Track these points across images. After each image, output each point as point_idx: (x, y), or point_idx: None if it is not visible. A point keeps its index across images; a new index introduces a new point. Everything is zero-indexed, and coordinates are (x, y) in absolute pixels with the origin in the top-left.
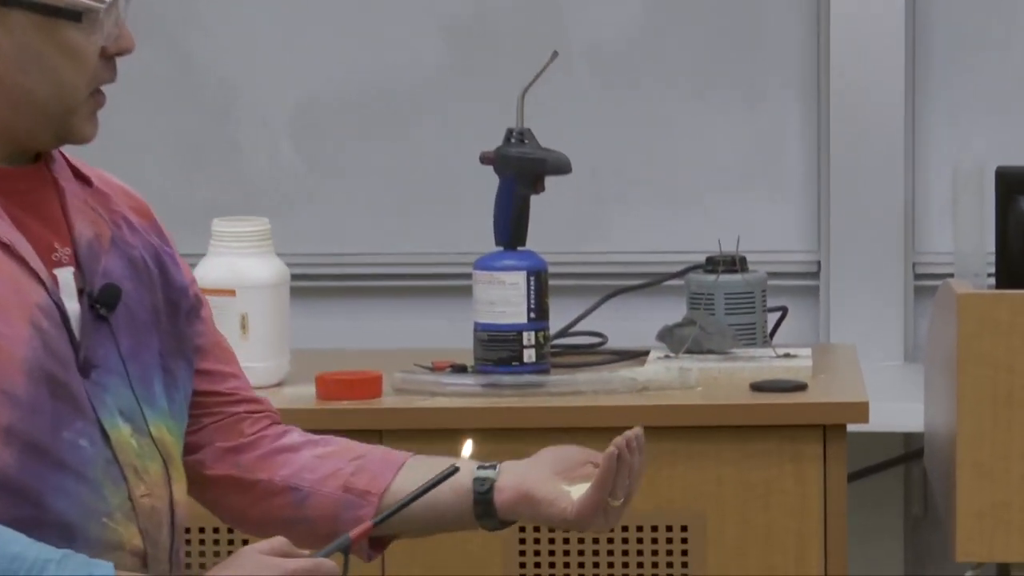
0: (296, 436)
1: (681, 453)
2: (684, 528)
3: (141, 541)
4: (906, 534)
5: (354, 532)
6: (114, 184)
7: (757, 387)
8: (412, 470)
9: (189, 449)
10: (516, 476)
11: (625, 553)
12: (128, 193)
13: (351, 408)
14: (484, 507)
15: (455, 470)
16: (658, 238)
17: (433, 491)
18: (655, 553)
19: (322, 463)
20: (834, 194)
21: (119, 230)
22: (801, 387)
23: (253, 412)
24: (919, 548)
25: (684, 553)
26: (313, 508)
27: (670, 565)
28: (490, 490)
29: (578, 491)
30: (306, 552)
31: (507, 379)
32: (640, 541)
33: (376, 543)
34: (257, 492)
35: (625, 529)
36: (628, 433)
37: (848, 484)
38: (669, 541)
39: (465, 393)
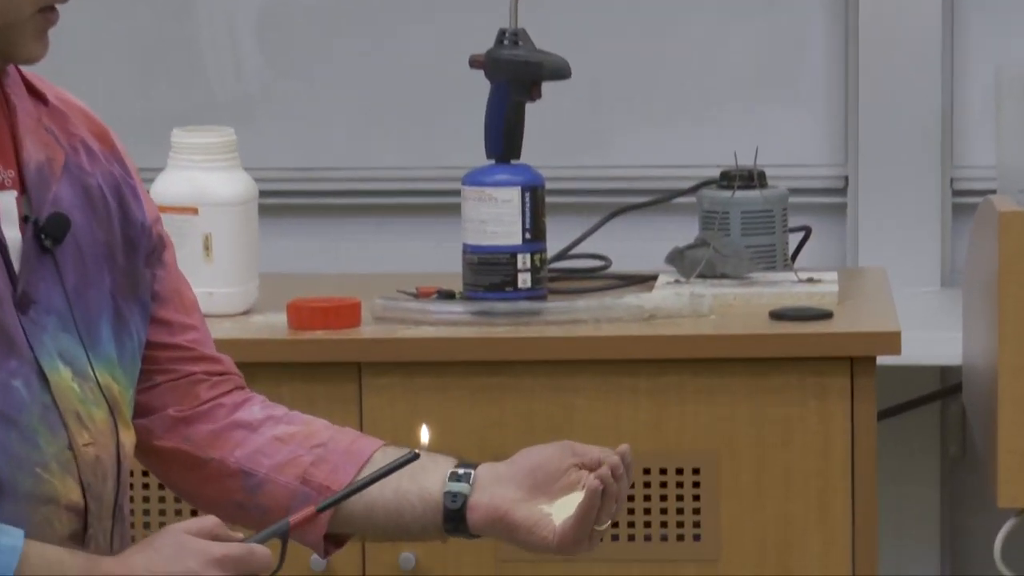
0: (256, 409)
1: (692, 388)
2: (695, 471)
3: (81, 495)
4: (942, 477)
5: (294, 518)
6: (74, 104)
7: (777, 315)
8: (378, 465)
9: (139, 411)
10: (492, 494)
11: (631, 499)
12: (89, 116)
13: (326, 339)
14: (455, 524)
15: (414, 456)
16: (667, 151)
17: (400, 499)
18: (663, 499)
19: (280, 448)
20: (863, 101)
21: (75, 155)
22: (826, 315)
23: (212, 373)
24: (956, 492)
25: (695, 499)
26: (267, 496)
27: (680, 512)
28: (463, 507)
29: (561, 511)
30: (239, 536)
31: (500, 306)
32: (647, 485)
33: (334, 540)
34: (209, 471)
35: (637, 474)
36: (613, 459)
37: (878, 423)
38: (679, 485)
39: (453, 322)
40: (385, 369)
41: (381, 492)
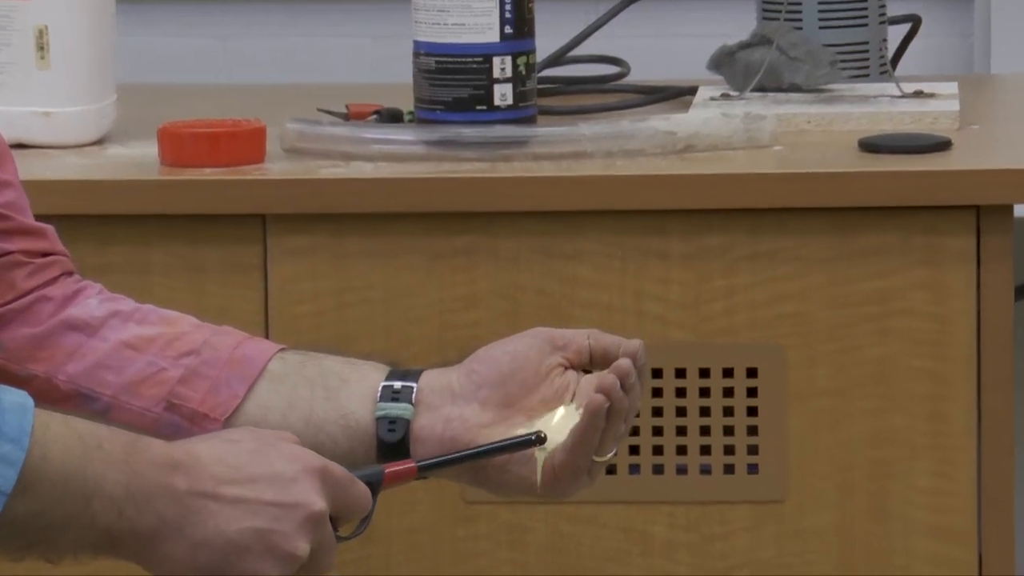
0: (94, 304)
1: (745, 253)
2: (750, 374)
3: None
4: None
5: (392, 467)
6: None
7: (870, 146)
8: (282, 384)
9: None
10: (446, 417)
11: (657, 412)
12: None
13: (215, 180)
14: (395, 460)
15: (540, 440)
16: None
17: (316, 432)
18: (703, 414)
19: (133, 358)
20: None
21: None
22: (941, 145)
23: (33, 253)
24: None
25: (750, 413)
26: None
27: (727, 433)
28: (405, 438)
29: (546, 430)
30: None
31: (468, 132)
32: (679, 394)
33: None
34: (32, 392)
35: (658, 375)
36: (621, 363)
37: (1016, 302)
38: (726, 394)
39: (400, 156)
40: (301, 225)
41: (285, 420)
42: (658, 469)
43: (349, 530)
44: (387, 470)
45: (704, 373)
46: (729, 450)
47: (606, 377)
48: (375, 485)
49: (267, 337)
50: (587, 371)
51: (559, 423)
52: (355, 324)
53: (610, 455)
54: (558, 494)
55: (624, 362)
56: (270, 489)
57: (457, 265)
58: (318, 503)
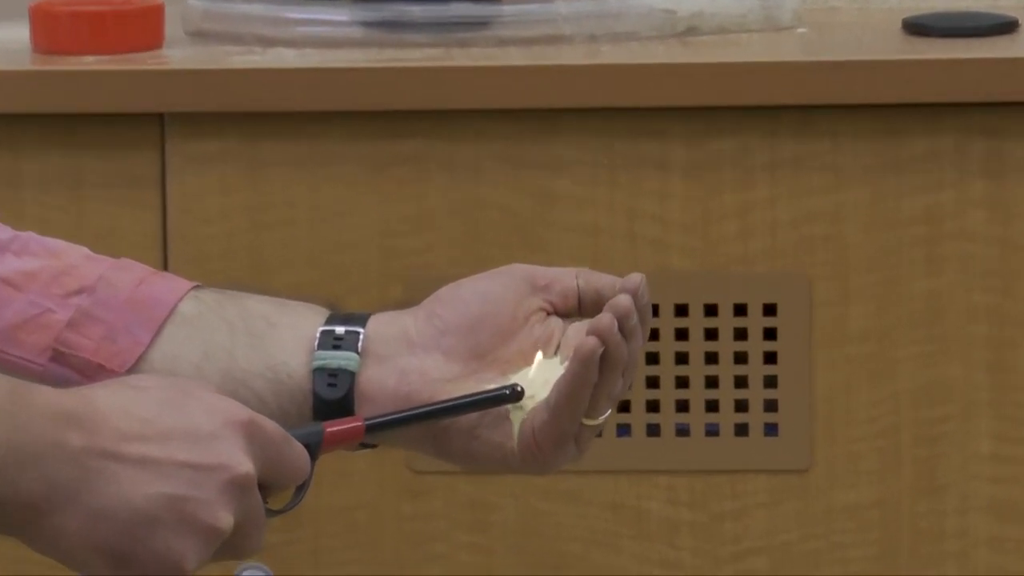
0: None
1: (764, 161)
2: (768, 311)
3: None
4: None
5: (334, 427)
6: None
7: (917, 27)
8: (195, 329)
9: None
10: (401, 369)
11: (653, 359)
12: None
13: (101, 71)
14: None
15: (516, 394)
16: None
17: (237, 386)
18: (710, 361)
19: (11, 297)
20: None
21: None
22: (1006, 27)
23: None
24: None
25: (768, 360)
26: None
27: (739, 384)
28: (348, 395)
29: (524, 384)
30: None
31: (417, 11)
32: (680, 337)
33: None
34: None
35: (654, 313)
36: (619, 300)
37: None
38: (738, 337)
39: (331, 40)
40: (208, 126)
41: (199, 373)
42: (653, 430)
43: (283, 501)
44: (328, 428)
45: (711, 311)
46: (741, 406)
47: (600, 317)
48: (314, 447)
49: (165, 268)
50: (573, 319)
51: (540, 375)
52: (274, 251)
53: (603, 418)
54: (539, 466)
55: (623, 298)
56: (185, 447)
57: (403, 177)
58: (244, 464)
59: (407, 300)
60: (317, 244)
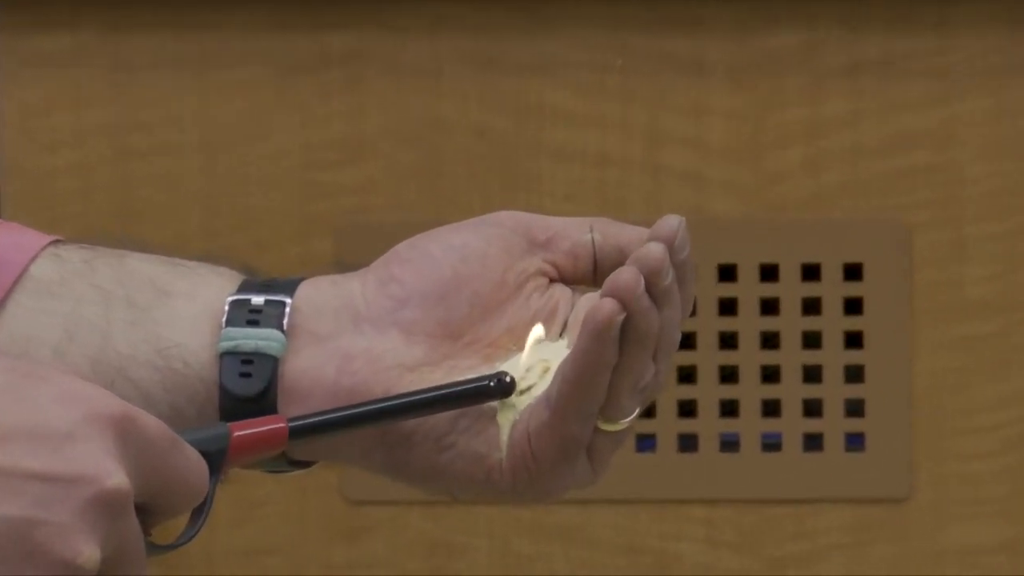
0: None
1: (839, 67)
2: (852, 273)
3: None
4: None
5: (245, 429)
6: None
7: None
8: (55, 299)
9: None
10: (342, 354)
11: (688, 343)
12: None
13: None
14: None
15: (504, 386)
16: None
17: (113, 360)
18: (771, 343)
19: None
20: None
21: None
22: None
23: None
24: None
25: (851, 342)
26: None
27: (811, 377)
28: (268, 390)
29: (515, 373)
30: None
31: None
32: (728, 310)
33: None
34: None
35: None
36: (649, 249)
37: None
38: (810, 309)
39: None
40: (46, 12)
41: (61, 359)
42: (687, 443)
43: (171, 533)
44: (236, 431)
45: (768, 274)
46: (812, 409)
47: (620, 272)
48: (215, 457)
49: None
50: (585, 288)
51: (536, 358)
52: (149, 190)
53: (627, 421)
54: (535, 489)
55: (653, 247)
56: (31, 451)
57: (331, 83)
58: (114, 476)
59: (340, 260)
60: (210, 181)
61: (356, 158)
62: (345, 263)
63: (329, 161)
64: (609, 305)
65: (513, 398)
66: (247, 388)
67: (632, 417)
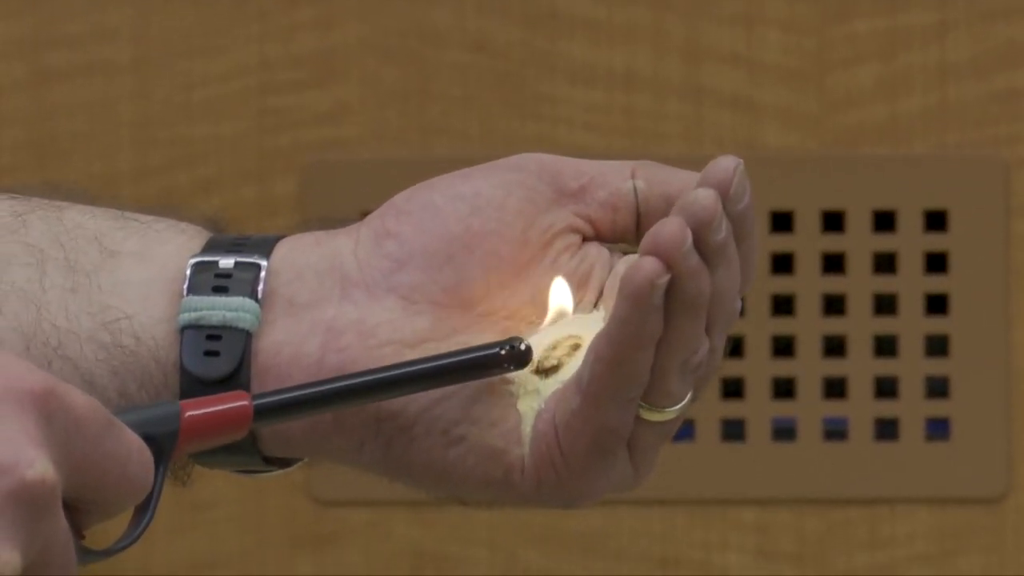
0: None
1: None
2: (935, 222)
3: None
4: None
5: (198, 407)
6: None
7: None
8: (27, 270)
9: None
10: (326, 326)
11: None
12: None
13: None
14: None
15: (517, 354)
16: None
17: (48, 336)
18: (835, 308)
19: None
20: None
21: None
22: None
23: None
24: None
25: (934, 307)
26: None
27: (884, 350)
28: (239, 371)
29: (538, 347)
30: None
31: None
32: (782, 267)
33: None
34: None
35: None
36: (698, 196)
37: None
38: (883, 266)
39: None
40: None
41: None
42: (733, 430)
43: (110, 537)
44: (188, 411)
45: (832, 223)
46: (886, 389)
47: (664, 224)
48: (162, 441)
49: None
50: (627, 248)
51: (564, 332)
52: (68, 117)
53: (676, 408)
54: (563, 491)
55: (703, 194)
56: None
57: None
58: (36, 464)
59: (311, 206)
60: (146, 108)
61: (325, 79)
62: (311, 209)
63: (292, 82)
64: (650, 264)
65: (537, 381)
66: (213, 369)
67: (683, 405)
